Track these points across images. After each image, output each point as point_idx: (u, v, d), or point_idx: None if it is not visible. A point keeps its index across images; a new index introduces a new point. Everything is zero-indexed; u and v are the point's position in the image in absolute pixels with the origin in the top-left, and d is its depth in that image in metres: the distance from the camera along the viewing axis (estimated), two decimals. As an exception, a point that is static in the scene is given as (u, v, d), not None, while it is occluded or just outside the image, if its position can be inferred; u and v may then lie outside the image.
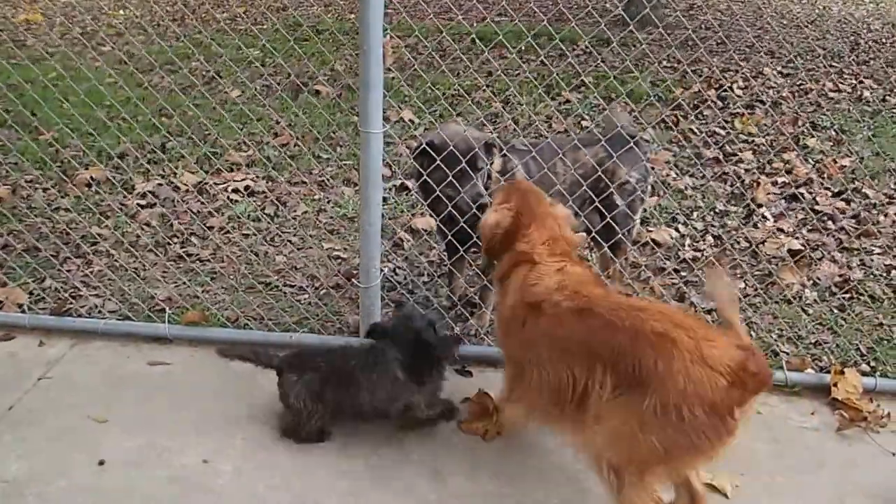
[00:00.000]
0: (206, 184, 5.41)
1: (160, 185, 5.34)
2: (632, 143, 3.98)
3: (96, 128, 5.60)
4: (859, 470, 3.19)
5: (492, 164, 3.70)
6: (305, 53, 8.09)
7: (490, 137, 3.72)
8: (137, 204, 5.10)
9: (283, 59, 7.71)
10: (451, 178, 3.55)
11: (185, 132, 5.87)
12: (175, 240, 4.73)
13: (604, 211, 4.01)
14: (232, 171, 5.63)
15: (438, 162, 3.55)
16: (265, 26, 9.15)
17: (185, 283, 4.27)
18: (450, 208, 3.62)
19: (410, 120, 6.63)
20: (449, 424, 3.29)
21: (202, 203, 5.17)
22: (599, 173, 3.90)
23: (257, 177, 5.54)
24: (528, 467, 3.11)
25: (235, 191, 5.37)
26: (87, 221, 4.79)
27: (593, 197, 3.99)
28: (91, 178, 5.26)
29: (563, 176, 3.90)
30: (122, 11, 10.55)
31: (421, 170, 3.65)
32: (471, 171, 3.55)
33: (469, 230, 3.70)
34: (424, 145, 3.59)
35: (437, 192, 3.62)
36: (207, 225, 4.90)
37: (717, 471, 3.03)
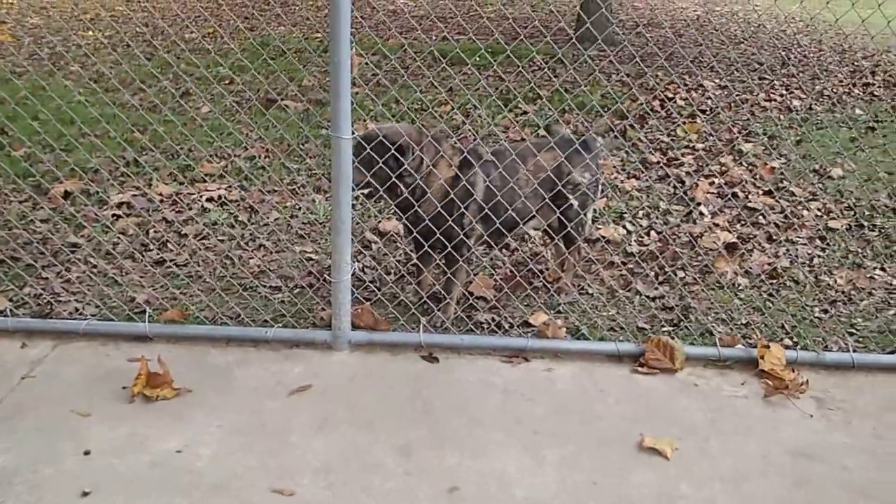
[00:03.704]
0: (180, 194, 5.55)
1: (135, 196, 5.46)
2: (578, 147, 4.33)
3: (68, 144, 5.73)
4: (782, 431, 3.44)
5: (407, 161, 3.89)
6: (274, 71, 8.32)
7: (404, 140, 3.89)
8: (113, 214, 5.22)
9: (252, 77, 7.93)
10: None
11: (158, 146, 6.02)
12: (152, 246, 4.86)
13: (556, 209, 4.32)
14: (205, 181, 5.79)
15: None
16: (233, 46, 9.37)
17: (163, 285, 4.40)
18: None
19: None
20: (417, 408, 3.52)
21: (177, 212, 5.32)
22: (550, 174, 4.23)
23: (230, 186, 5.70)
24: (490, 441, 3.32)
25: (210, 200, 5.53)
26: (64, 231, 4.89)
27: (546, 196, 4.29)
28: (66, 190, 5.38)
29: (520, 177, 4.20)
30: (90, 32, 10.66)
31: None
32: (372, 163, 3.83)
33: (433, 228, 4.01)
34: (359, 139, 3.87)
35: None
36: (183, 232, 5.05)
37: (658, 437, 3.31)
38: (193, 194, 5.61)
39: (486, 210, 4.10)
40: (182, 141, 6.11)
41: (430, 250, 4.21)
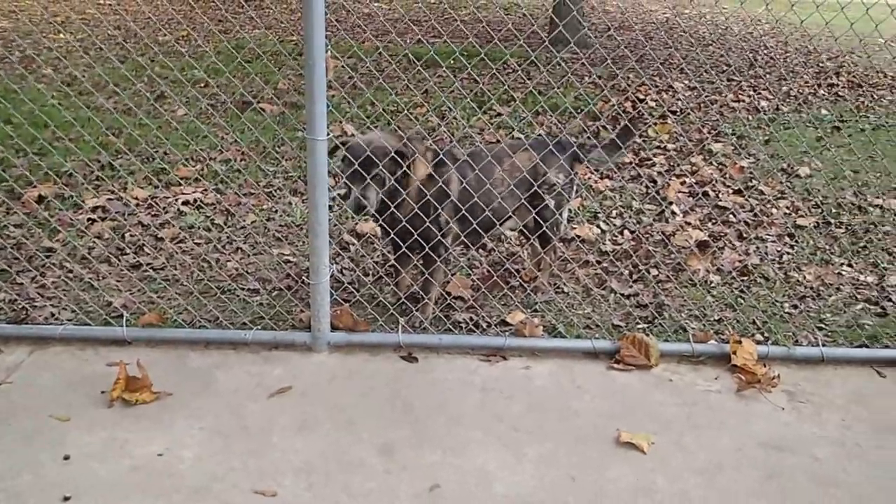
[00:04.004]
0: (156, 198, 5.54)
1: (110, 199, 5.45)
2: (551, 148, 4.39)
3: (42, 148, 5.69)
4: (754, 424, 3.52)
5: (400, 170, 3.96)
6: (249, 73, 8.32)
7: (400, 147, 3.96)
8: (88, 218, 5.20)
9: (227, 79, 7.94)
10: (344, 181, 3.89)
11: (133, 150, 5.99)
12: (128, 250, 4.84)
13: (531, 210, 4.38)
14: (180, 185, 5.77)
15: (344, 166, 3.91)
16: (208, 49, 9.35)
17: (140, 289, 4.39)
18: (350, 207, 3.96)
19: (352, 134, 6.93)
20: (396, 407, 3.55)
21: (153, 216, 5.30)
22: (526, 175, 4.29)
23: (206, 190, 5.69)
24: (470, 439, 3.36)
25: (185, 203, 5.52)
26: (38, 236, 4.86)
27: (521, 197, 4.35)
28: (41, 195, 5.33)
29: (495, 178, 4.26)
30: (62, 35, 10.59)
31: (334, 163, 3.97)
32: (365, 176, 3.86)
33: (410, 229, 4.05)
34: (344, 151, 3.93)
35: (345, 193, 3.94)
36: (159, 236, 5.04)
37: (634, 432, 3.37)
38: (169, 198, 5.59)
39: (463, 210, 4.15)
40: (157, 144, 6.09)
41: (407, 251, 4.24)
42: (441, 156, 4.12)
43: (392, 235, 4.13)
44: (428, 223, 4.06)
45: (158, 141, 6.18)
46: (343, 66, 7.23)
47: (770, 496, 3.10)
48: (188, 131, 6.35)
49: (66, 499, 2.93)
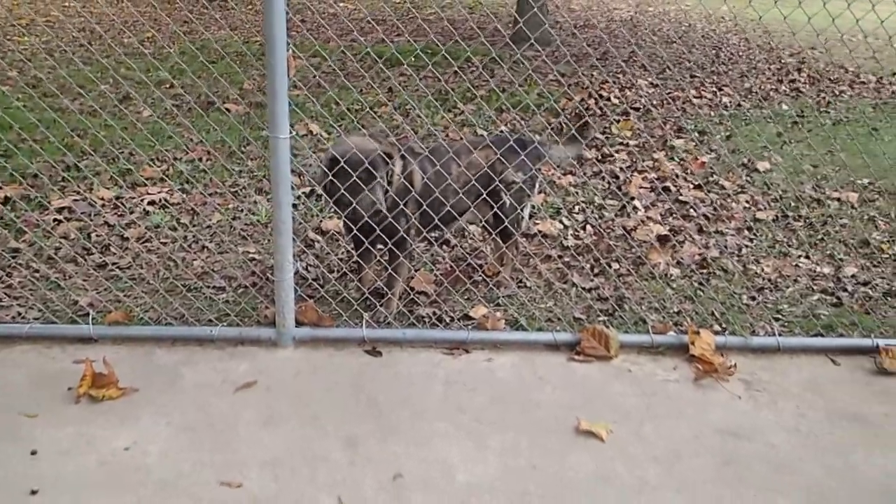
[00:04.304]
0: (121, 198, 5.55)
1: (76, 200, 5.45)
2: (512, 145, 4.46)
3: (7, 150, 5.67)
4: (712, 412, 3.60)
5: (389, 172, 4.04)
6: (213, 74, 8.31)
7: (385, 148, 4.04)
8: (54, 219, 5.19)
9: (191, 80, 7.93)
10: (344, 189, 3.89)
11: (98, 151, 5.98)
12: (94, 250, 4.85)
13: (493, 205, 4.47)
14: (146, 185, 5.78)
15: (338, 173, 3.90)
16: (172, 50, 9.33)
17: (106, 288, 4.40)
18: (347, 214, 3.99)
19: (317, 133, 6.98)
20: (361, 401, 3.60)
21: (119, 216, 5.31)
22: (487, 171, 4.36)
23: (172, 190, 5.70)
24: (434, 431, 3.42)
25: (151, 203, 5.53)
26: (4, 237, 4.85)
27: (482, 192, 4.43)
28: (6, 196, 5.33)
29: (455, 173, 4.33)
30: (25, 38, 10.53)
31: (330, 176, 3.93)
32: (363, 184, 3.89)
33: (374, 225, 4.07)
34: (334, 155, 3.92)
35: (340, 199, 3.93)
36: (125, 236, 5.05)
37: (594, 421, 3.44)
38: (135, 198, 5.60)
39: (424, 206, 4.21)
40: (122, 145, 6.08)
41: (370, 247, 4.29)
42: (403, 152, 4.18)
43: (355, 231, 4.16)
44: (391, 219, 4.12)
45: (124, 142, 6.17)
46: (307, 66, 7.24)
47: (727, 482, 3.18)
48: (153, 132, 6.34)
49: (34, 492, 2.95)
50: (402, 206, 4.15)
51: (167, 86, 8.31)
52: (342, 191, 3.89)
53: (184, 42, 10.34)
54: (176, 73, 8.33)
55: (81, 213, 5.29)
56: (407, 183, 4.16)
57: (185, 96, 7.53)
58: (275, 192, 3.73)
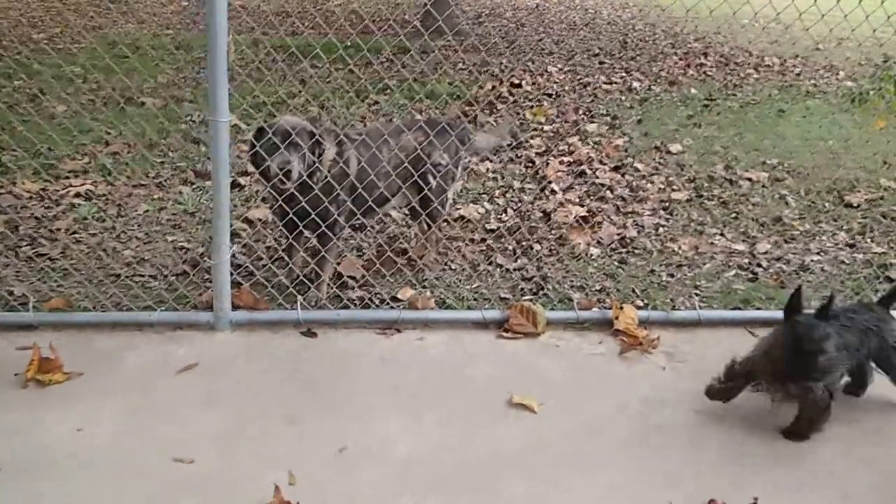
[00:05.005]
0: (46, 191, 5.50)
1: (1, 194, 5.40)
2: (443, 127, 4.54)
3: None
4: (637, 383, 3.76)
5: (319, 151, 4.11)
6: (128, 69, 8.16)
7: (315, 129, 4.12)
8: None
9: (105, 75, 7.80)
10: (268, 156, 3.99)
11: (21, 145, 5.89)
12: (23, 243, 4.80)
13: (422, 185, 4.56)
14: (69, 178, 5.73)
15: (264, 143, 4.01)
16: (83, 45, 9.12)
17: (41, 279, 4.37)
18: (274, 183, 4.04)
19: (236, 125, 6.91)
20: (300, 380, 3.68)
21: (46, 208, 5.27)
22: (420, 153, 4.45)
23: (96, 182, 5.67)
24: (372, 406, 3.51)
25: (77, 195, 5.48)
26: None
27: (413, 173, 4.51)
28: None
29: (387, 156, 4.41)
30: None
31: (258, 147, 4.04)
32: (282, 146, 3.96)
33: (307, 208, 4.12)
34: (262, 126, 4.03)
35: (266, 168, 4.02)
36: (54, 227, 5.01)
37: (524, 394, 3.57)
38: (60, 191, 5.54)
39: (360, 189, 4.29)
40: (43, 140, 5.94)
41: (304, 230, 4.32)
42: (341, 136, 4.23)
43: (291, 215, 4.18)
44: (327, 202, 4.16)
45: (43, 137, 6.02)
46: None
47: (653, 447, 3.33)
48: (71, 126, 6.22)
49: (-8, 471, 2.97)
50: (339, 191, 4.19)
51: (81, 80, 8.16)
52: (268, 160, 3.96)
53: (94, 37, 10.09)
54: (89, 69, 8.15)
55: (7, 207, 5.24)
56: (345, 167, 4.22)
57: (101, 91, 7.39)
58: (214, 174, 3.77)
